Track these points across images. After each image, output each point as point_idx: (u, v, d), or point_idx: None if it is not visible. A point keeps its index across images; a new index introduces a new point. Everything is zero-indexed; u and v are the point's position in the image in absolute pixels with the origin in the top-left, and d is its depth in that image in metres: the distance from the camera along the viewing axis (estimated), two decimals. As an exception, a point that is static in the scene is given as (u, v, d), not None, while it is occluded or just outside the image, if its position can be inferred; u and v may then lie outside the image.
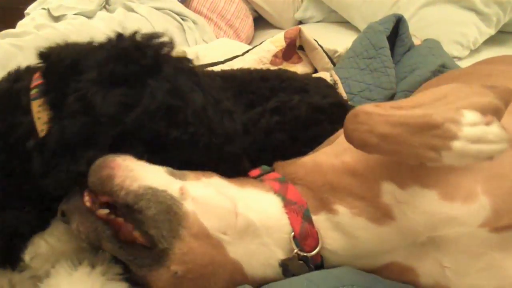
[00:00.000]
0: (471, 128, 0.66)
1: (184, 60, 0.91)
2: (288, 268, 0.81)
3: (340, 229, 0.80)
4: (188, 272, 0.75)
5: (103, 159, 0.77)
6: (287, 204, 0.82)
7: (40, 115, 0.81)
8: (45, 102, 0.82)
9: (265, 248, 0.80)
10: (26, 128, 0.81)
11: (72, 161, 0.77)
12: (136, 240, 0.76)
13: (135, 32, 0.87)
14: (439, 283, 0.78)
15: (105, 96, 0.76)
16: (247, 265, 0.79)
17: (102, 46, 0.86)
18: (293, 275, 0.81)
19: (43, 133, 0.80)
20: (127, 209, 0.76)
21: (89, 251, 0.87)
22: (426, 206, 0.75)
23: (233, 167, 0.89)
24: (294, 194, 0.83)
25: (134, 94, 0.78)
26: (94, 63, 0.80)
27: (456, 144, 0.66)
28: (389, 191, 0.77)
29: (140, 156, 0.80)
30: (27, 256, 0.84)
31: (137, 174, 0.77)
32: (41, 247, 0.85)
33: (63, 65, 0.83)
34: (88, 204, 0.76)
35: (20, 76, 0.89)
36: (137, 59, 0.81)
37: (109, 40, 0.87)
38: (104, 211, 0.76)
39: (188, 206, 0.77)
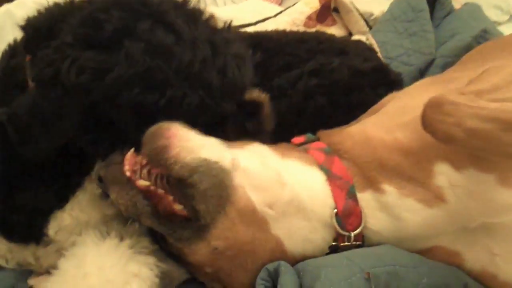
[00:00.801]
0: None
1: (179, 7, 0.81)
2: (337, 251, 0.78)
3: (386, 209, 0.77)
4: (227, 249, 0.73)
5: (158, 128, 0.73)
6: (332, 178, 0.79)
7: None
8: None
9: (307, 223, 0.77)
10: None
11: (44, 134, 0.73)
12: (175, 212, 0.73)
13: None
14: (486, 270, 0.75)
15: (73, 63, 0.69)
16: (288, 242, 0.76)
17: (80, 7, 0.79)
18: None
19: None
20: (178, 182, 0.73)
21: (116, 221, 0.85)
22: (482, 191, 0.71)
23: (240, 128, 0.84)
24: (339, 168, 0.79)
25: (108, 58, 0.71)
26: (68, 27, 0.74)
27: None
28: (443, 173, 0.73)
29: (126, 127, 0.75)
30: (51, 231, 0.83)
31: (192, 144, 0.74)
32: (64, 220, 0.83)
33: (39, 34, 0.78)
34: (128, 174, 0.72)
35: (15, 51, 0.84)
36: (110, 19, 0.73)
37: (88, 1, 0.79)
38: (144, 183, 0.72)
39: (238, 179, 0.74)
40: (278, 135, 0.92)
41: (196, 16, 0.82)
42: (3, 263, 0.88)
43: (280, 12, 1.68)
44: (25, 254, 0.86)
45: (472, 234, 0.74)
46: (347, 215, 0.77)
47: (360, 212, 0.77)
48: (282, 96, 1.02)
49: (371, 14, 1.69)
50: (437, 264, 0.75)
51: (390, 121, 0.84)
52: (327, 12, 1.67)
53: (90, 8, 0.74)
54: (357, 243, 0.78)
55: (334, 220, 0.77)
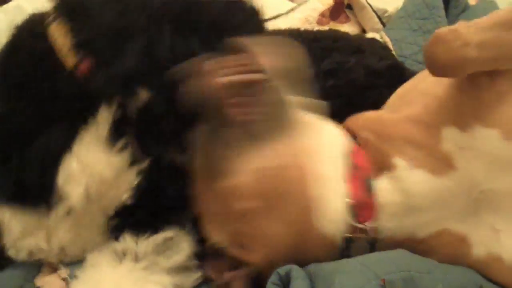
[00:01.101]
0: None
1: None
2: (350, 246, 0.76)
3: (397, 188, 0.75)
4: (277, 168, 0.74)
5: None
6: (350, 167, 0.77)
7: (58, 35, 0.78)
8: (62, 21, 0.79)
9: (336, 196, 0.75)
10: (45, 51, 0.79)
11: (116, 56, 0.75)
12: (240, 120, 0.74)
13: None
14: (491, 254, 0.73)
15: None
16: (318, 209, 0.74)
17: None
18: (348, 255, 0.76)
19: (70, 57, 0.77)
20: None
21: (129, 235, 0.82)
22: (488, 148, 0.70)
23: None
24: (360, 157, 0.78)
25: None
26: None
27: None
28: (450, 137, 0.73)
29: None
30: (60, 179, 0.80)
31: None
32: (71, 165, 0.80)
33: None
34: (208, 67, 0.71)
35: (38, 15, 0.85)
36: None
37: None
38: (224, 79, 0.71)
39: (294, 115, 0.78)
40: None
41: None
42: (13, 255, 0.86)
43: (292, 9, 1.67)
44: (37, 236, 0.84)
45: (476, 212, 0.73)
46: (360, 208, 0.75)
47: (374, 204, 0.75)
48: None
49: (385, 11, 1.68)
50: (451, 268, 0.74)
51: (393, 106, 0.86)
52: (340, 9, 1.66)
53: None
54: (371, 237, 0.76)
55: (346, 211, 0.75)
